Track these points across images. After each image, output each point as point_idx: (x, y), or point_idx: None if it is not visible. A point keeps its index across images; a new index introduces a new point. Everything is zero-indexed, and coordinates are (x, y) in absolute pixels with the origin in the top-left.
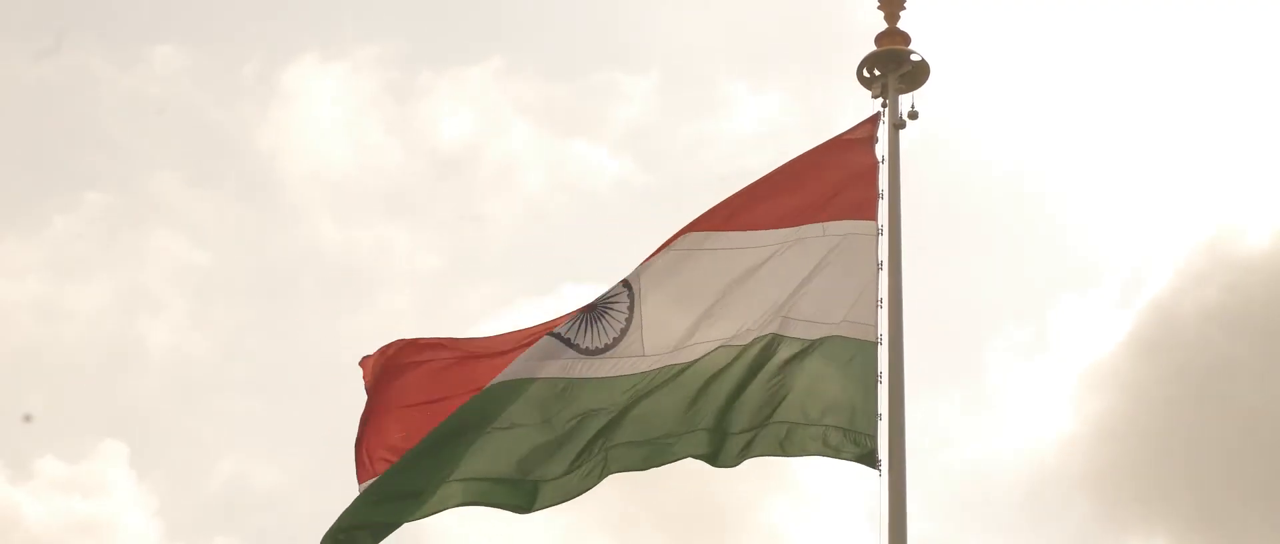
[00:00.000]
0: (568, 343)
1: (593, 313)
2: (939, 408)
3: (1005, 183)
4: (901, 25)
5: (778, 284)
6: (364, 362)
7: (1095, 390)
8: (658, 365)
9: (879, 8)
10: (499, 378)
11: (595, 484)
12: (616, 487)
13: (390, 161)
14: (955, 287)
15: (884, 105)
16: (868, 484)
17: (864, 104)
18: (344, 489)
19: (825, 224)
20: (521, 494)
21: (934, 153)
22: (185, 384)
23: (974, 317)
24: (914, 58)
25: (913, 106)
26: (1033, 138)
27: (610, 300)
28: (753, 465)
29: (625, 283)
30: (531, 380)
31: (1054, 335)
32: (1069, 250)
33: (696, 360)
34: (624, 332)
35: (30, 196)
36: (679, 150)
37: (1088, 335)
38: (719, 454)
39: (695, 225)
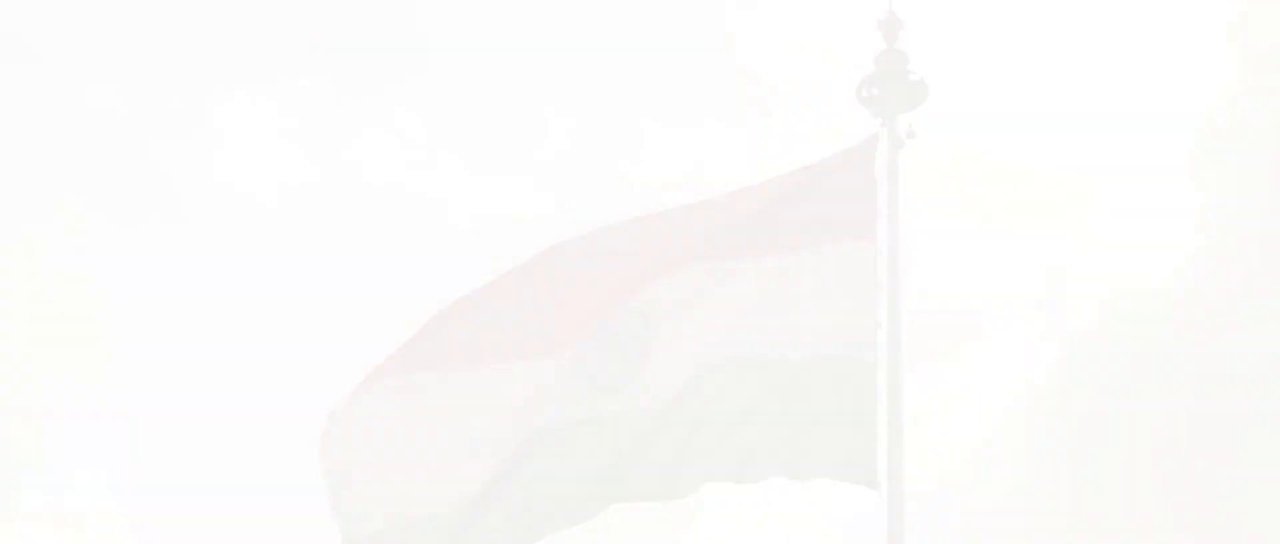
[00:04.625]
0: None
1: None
2: None
3: (956, 206)
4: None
5: (769, 306)
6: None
7: (1017, 422)
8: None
9: (878, 29)
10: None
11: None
12: None
13: (318, 195)
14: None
15: (882, 125)
16: (790, 515)
17: (793, 141)
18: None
19: (819, 245)
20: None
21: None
22: (149, 414)
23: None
24: (912, 78)
25: (911, 126)
26: (1005, 159)
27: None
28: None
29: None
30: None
31: (975, 368)
32: (995, 278)
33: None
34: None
35: None
36: (603, 186)
37: (1007, 369)
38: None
39: (683, 255)
